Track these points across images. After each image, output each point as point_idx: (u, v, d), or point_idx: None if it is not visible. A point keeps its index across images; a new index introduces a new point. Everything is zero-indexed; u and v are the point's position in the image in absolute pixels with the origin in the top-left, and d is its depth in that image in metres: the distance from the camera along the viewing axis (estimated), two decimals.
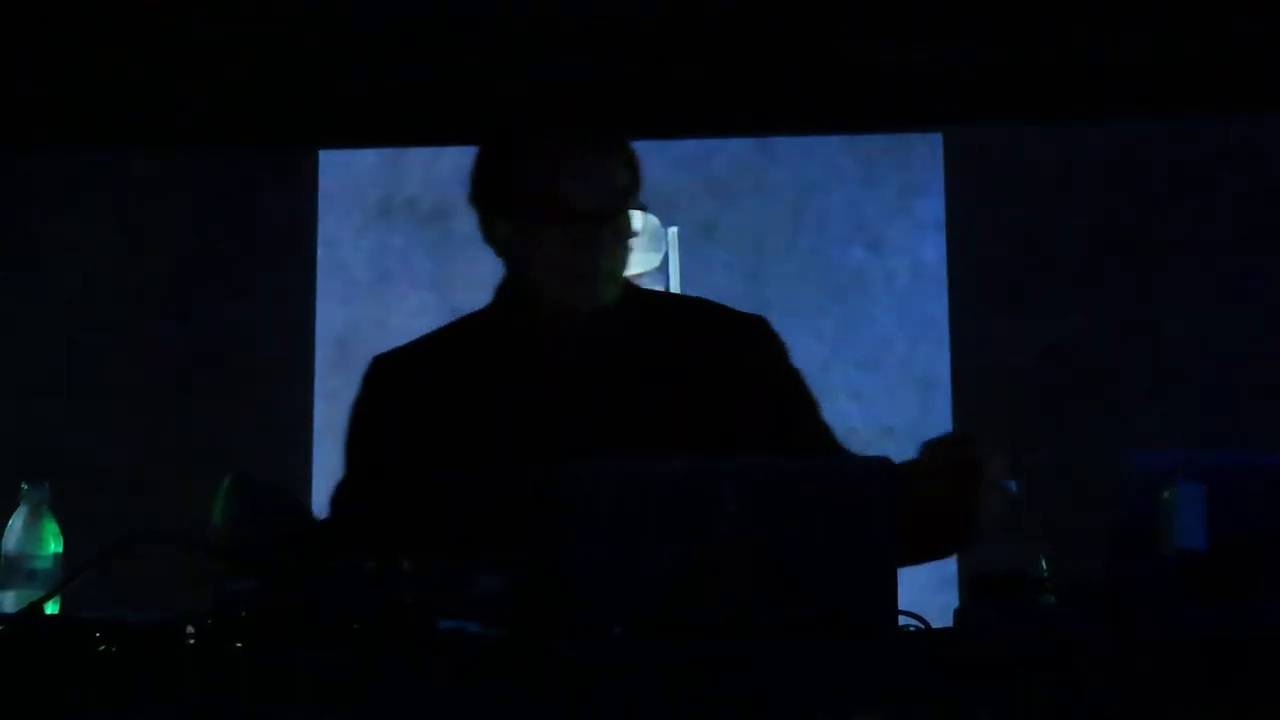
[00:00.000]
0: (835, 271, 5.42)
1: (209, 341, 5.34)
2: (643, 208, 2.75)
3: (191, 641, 2.03)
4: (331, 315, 5.50)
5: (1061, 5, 4.93)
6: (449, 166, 5.55)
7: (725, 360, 2.75)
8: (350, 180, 5.60)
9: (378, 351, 2.87)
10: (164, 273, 5.37)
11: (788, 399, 2.77)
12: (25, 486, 2.54)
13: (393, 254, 5.57)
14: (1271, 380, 5.07)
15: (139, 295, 5.35)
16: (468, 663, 1.91)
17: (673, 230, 4.86)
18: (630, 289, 2.80)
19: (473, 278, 5.45)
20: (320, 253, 5.53)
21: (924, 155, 5.44)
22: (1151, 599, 1.97)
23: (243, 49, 5.09)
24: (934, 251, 5.42)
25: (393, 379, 2.81)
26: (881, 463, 2.07)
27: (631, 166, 2.74)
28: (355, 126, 5.39)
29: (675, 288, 4.77)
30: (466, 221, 5.03)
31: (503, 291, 2.83)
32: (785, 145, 5.39)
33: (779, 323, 2.83)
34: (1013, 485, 2.43)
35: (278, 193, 5.46)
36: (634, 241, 2.75)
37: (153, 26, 4.93)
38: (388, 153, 5.56)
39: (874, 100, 5.30)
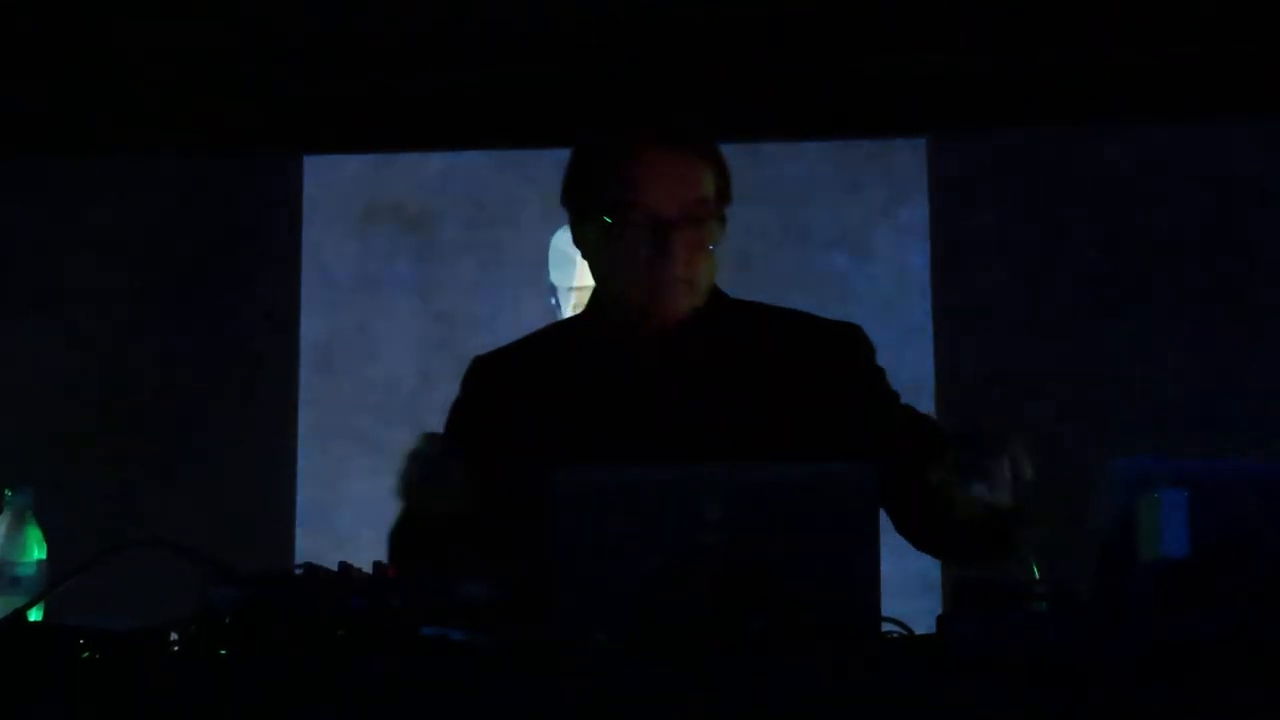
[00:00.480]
0: (819, 278, 5.43)
1: (193, 347, 5.33)
2: (723, 219, 2.74)
3: (176, 648, 2.03)
4: (315, 321, 5.49)
5: (1047, 13, 4.94)
6: (434, 172, 5.56)
7: (817, 369, 2.74)
8: (335, 185, 5.60)
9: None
10: (148, 278, 5.36)
11: (885, 402, 2.77)
12: (9, 493, 2.54)
13: (376, 259, 5.57)
14: (1256, 387, 5.08)
15: (122, 300, 5.34)
16: (450, 669, 1.91)
17: None
18: (722, 298, 2.81)
19: (456, 283, 5.47)
20: (304, 258, 5.53)
21: (908, 161, 5.45)
22: (1133, 606, 1.98)
23: (228, 53, 5.08)
24: (918, 258, 5.43)
25: (488, 379, 2.84)
26: (864, 468, 2.07)
27: (719, 175, 2.74)
28: (340, 131, 5.39)
29: None
30: (451, 227, 5.03)
31: (595, 297, 2.84)
32: (770, 151, 5.40)
33: None
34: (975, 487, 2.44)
35: (262, 197, 5.46)
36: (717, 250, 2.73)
37: (136, 32, 4.93)
38: (372, 158, 5.55)
39: (859, 106, 5.31)
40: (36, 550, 2.50)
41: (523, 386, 2.78)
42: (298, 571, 2.13)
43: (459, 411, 2.85)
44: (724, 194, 2.74)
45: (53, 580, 2.37)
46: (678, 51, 5.07)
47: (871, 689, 1.85)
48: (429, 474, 2.58)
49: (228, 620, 2.02)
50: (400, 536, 2.74)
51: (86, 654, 1.99)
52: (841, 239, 5.46)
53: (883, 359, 2.82)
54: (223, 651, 1.99)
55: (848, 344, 2.81)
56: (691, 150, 2.72)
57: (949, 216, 5.31)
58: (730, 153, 2.74)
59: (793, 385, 2.71)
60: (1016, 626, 1.91)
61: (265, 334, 5.37)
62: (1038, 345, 5.17)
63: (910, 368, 5.21)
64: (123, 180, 5.39)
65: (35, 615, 2.27)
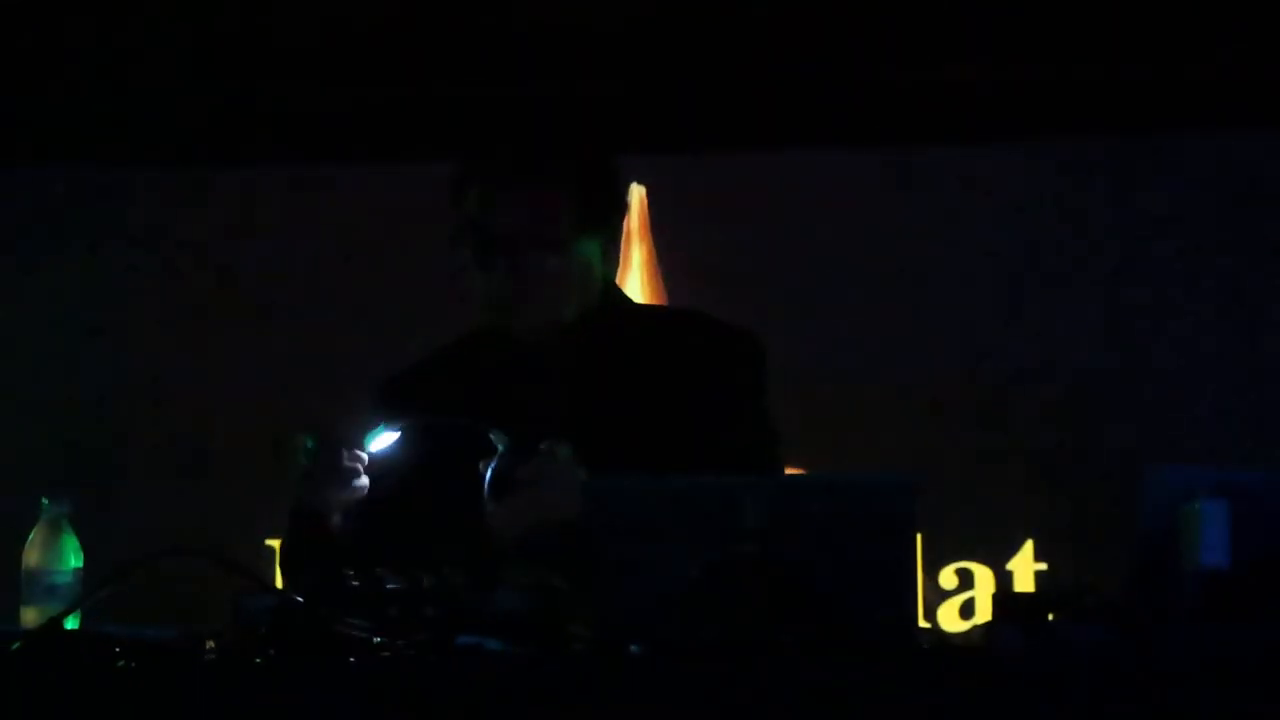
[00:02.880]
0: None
1: (226, 355, 5.33)
2: (559, 241, 2.78)
3: (211, 657, 2.03)
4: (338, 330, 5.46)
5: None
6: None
7: (698, 370, 2.79)
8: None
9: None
10: (181, 286, 5.36)
11: (728, 414, 2.79)
12: (46, 501, 2.55)
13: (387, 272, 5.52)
14: None
15: (158, 307, 5.35)
16: (485, 680, 1.90)
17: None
18: (621, 303, 2.90)
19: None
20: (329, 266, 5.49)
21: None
22: (1173, 617, 1.97)
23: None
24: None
25: (392, 399, 2.87)
26: (902, 479, 2.06)
27: (577, 200, 2.80)
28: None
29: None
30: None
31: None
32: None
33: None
34: None
35: (285, 204, 5.44)
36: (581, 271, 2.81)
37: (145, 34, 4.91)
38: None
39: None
40: (73, 559, 2.51)
41: (424, 403, 2.80)
42: (333, 581, 2.13)
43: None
44: (589, 219, 2.81)
45: (89, 589, 2.38)
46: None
47: (909, 700, 1.85)
48: (316, 468, 2.66)
49: (263, 629, 2.02)
50: (290, 556, 2.79)
51: (122, 663, 1.99)
52: None
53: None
54: (258, 660, 1.99)
55: (729, 347, 2.85)
56: (538, 175, 2.80)
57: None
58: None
59: (675, 386, 2.77)
60: (1056, 638, 1.90)
61: (298, 344, 5.35)
62: (1076, 349, 5.12)
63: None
64: (155, 186, 5.38)
65: (71, 623, 2.27)
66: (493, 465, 2.58)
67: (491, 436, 2.60)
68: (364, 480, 2.68)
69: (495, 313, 2.81)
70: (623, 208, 2.90)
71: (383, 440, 2.70)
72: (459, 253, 2.82)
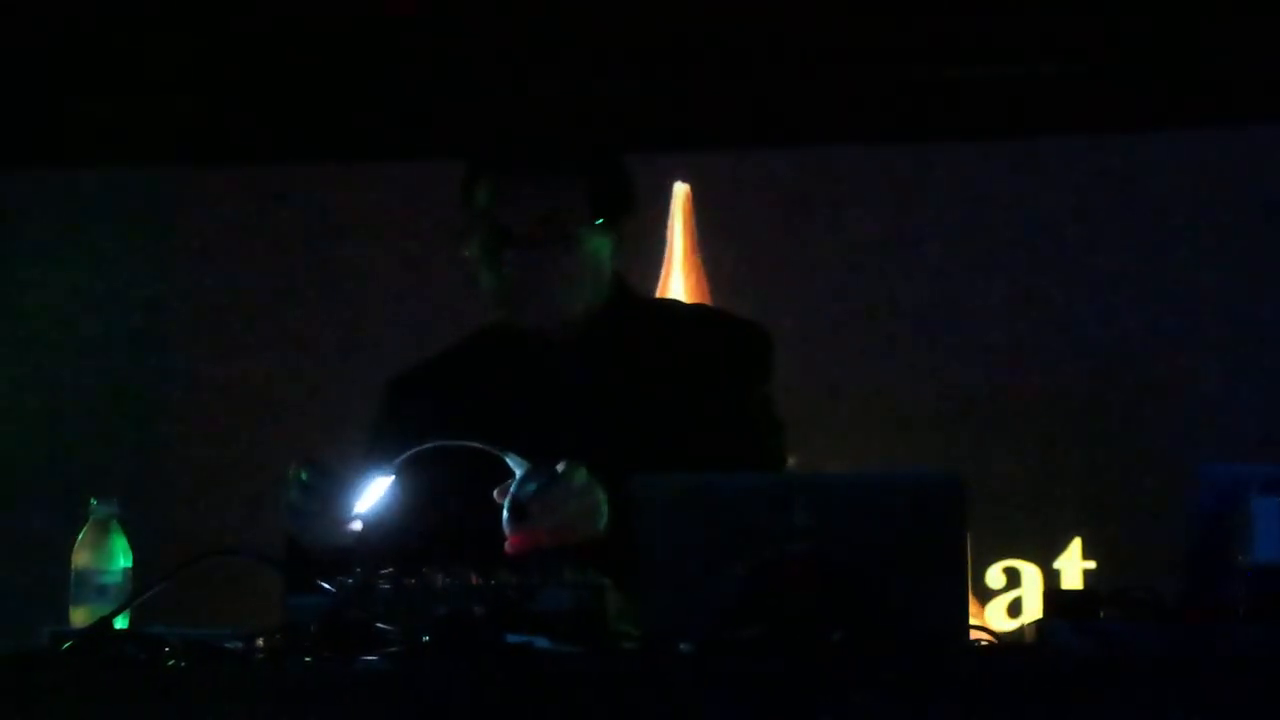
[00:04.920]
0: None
1: (275, 360, 5.34)
2: (569, 236, 2.76)
3: (260, 655, 2.03)
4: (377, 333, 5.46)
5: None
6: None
7: (707, 363, 2.79)
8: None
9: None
10: (228, 291, 5.37)
11: (734, 406, 2.78)
12: (94, 502, 2.56)
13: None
14: None
15: (209, 311, 5.36)
16: (535, 678, 1.90)
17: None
18: (630, 298, 2.88)
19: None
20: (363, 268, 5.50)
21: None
22: (1226, 613, 1.96)
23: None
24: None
25: (403, 398, 2.87)
26: (952, 475, 2.05)
27: (589, 193, 2.79)
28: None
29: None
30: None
31: None
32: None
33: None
34: None
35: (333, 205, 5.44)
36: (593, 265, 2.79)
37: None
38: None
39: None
40: (122, 559, 2.51)
41: (436, 402, 2.80)
42: (382, 580, 2.13)
43: (377, 432, 2.84)
44: (600, 215, 2.79)
45: (139, 589, 2.39)
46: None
47: (961, 698, 1.84)
48: (309, 502, 2.54)
49: (312, 628, 2.02)
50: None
51: (172, 662, 2.00)
52: None
53: None
54: (307, 659, 2.00)
55: (737, 339, 2.85)
56: (547, 168, 2.79)
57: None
58: None
59: (683, 381, 2.76)
60: (1109, 636, 1.89)
61: (346, 347, 5.36)
62: (1123, 348, 5.09)
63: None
64: (206, 190, 5.40)
65: (121, 623, 2.28)
66: (511, 491, 2.49)
67: (509, 461, 2.52)
68: (355, 525, 2.53)
69: (504, 308, 2.80)
70: (634, 205, 2.87)
71: (377, 488, 2.54)
72: (469, 248, 2.81)
